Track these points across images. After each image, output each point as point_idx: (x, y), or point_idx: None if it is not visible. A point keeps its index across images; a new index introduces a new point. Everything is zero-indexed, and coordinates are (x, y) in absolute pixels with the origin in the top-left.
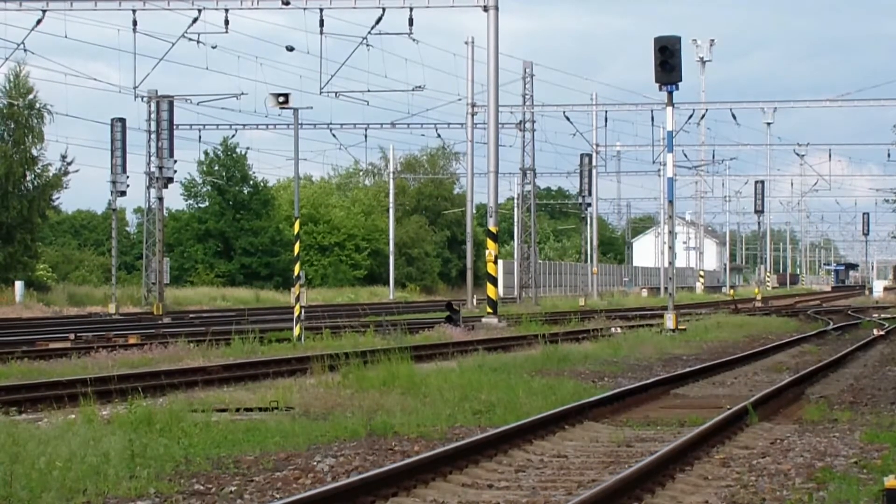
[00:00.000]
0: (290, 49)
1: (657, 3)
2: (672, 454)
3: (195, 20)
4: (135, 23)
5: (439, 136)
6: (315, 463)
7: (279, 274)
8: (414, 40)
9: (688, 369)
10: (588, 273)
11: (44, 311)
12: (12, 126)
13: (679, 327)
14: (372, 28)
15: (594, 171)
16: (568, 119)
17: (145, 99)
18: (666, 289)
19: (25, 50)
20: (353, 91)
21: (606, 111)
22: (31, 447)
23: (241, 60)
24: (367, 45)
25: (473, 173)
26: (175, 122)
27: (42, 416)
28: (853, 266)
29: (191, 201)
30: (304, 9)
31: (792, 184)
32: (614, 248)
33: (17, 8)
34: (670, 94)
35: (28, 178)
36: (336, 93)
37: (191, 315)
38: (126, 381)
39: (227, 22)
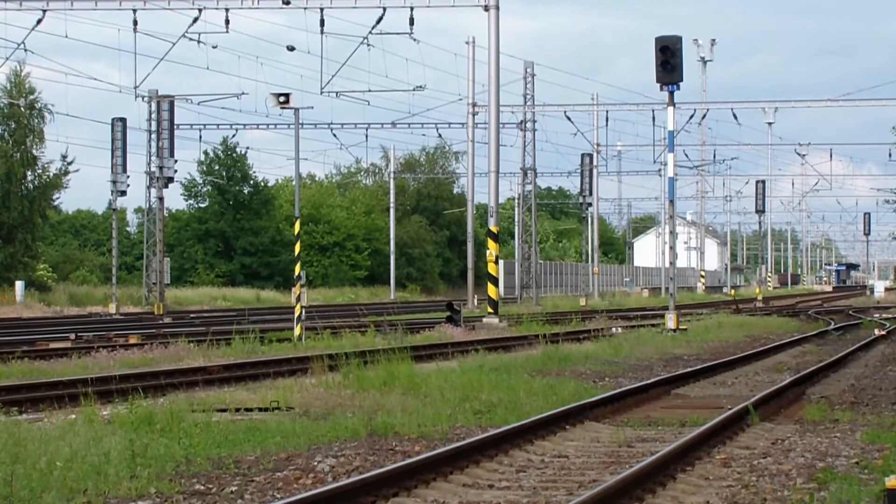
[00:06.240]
0: (291, 49)
1: (658, 4)
2: (673, 454)
3: (195, 20)
4: (135, 23)
5: (440, 135)
6: (316, 463)
7: (280, 274)
8: (415, 40)
9: (689, 369)
10: (589, 273)
11: (44, 311)
12: (13, 126)
13: (680, 327)
14: (373, 28)
15: (595, 171)
16: (569, 119)
17: (146, 99)
18: (667, 289)
19: (26, 50)
20: (354, 91)
21: (607, 111)
22: (31, 447)
23: (241, 60)
24: (368, 45)
25: (474, 173)
26: (175, 122)
27: (43, 416)
28: (854, 266)
29: (191, 201)
30: (305, 8)
31: (793, 183)
32: (615, 249)
33: (17, 8)
34: (671, 93)
35: (29, 177)
36: (337, 93)
37: (191, 315)
38: (126, 381)
39: (227, 22)
